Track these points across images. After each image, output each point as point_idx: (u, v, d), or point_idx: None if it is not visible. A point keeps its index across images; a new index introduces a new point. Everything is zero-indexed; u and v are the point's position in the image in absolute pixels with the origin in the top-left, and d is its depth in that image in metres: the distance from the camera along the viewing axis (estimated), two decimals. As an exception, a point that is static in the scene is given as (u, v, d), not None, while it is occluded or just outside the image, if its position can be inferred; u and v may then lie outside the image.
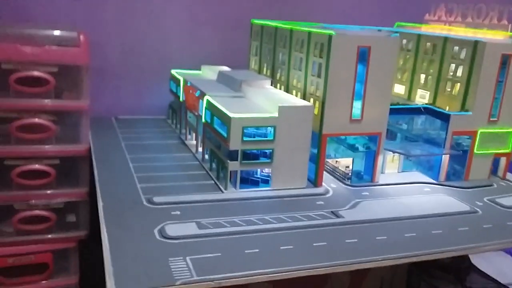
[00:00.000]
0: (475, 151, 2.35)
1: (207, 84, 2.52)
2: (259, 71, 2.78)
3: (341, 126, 2.13)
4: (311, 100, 2.18)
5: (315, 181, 2.17)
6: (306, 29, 2.23)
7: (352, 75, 2.08)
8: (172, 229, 1.65)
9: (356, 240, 1.69)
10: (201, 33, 3.25)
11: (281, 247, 1.60)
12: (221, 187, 2.05)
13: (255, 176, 2.12)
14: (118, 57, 3.22)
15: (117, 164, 2.26)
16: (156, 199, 1.89)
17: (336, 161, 2.36)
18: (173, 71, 2.99)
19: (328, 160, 2.32)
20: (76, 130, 2.54)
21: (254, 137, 2.00)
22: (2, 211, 2.42)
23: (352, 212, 1.93)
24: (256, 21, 2.80)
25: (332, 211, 1.90)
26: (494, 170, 2.49)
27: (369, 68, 2.09)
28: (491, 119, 2.34)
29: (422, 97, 2.59)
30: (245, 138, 1.98)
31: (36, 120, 2.43)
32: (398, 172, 2.44)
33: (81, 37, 2.46)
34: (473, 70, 2.29)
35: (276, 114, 2.00)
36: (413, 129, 2.44)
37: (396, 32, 2.12)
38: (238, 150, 1.99)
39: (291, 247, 1.61)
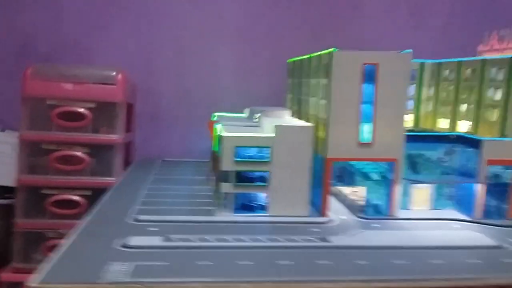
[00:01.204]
0: (519, 184, 2.00)
1: (230, 119, 2.52)
2: (291, 107, 2.72)
3: (348, 150, 1.97)
4: (319, 124, 2.06)
5: (320, 210, 1.99)
6: (318, 53, 2.16)
7: (358, 95, 1.94)
8: (135, 240, 1.60)
9: (331, 262, 1.49)
10: (250, 77, 3.33)
11: (238, 262, 1.46)
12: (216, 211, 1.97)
13: (254, 202, 2.01)
14: (170, 101, 3.39)
15: (132, 190, 2.30)
16: (142, 217, 1.87)
17: (355, 191, 2.17)
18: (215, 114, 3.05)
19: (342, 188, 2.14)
20: (110, 164, 2.67)
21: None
22: (35, 238, 2.58)
23: (344, 238, 1.72)
24: (291, 60, 2.79)
25: (321, 237, 1.71)
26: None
27: (378, 87, 1.94)
28: (537, 146, 2.00)
29: (464, 129, 2.32)
30: (237, 159, 1.91)
31: (72, 152, 2.60)
32: (429, 209, 2.15)
33: (119, 76, 2.66)
34: (510, 91, 2.01)
35: (272, 134, 1.92)
36: (439, 157, 2.16)
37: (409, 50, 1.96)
38: (231, 171, 1.92)
39: (251, 263, 1.46)
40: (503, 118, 2.03)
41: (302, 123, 2.04)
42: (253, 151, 1.99)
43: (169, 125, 3.39)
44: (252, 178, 1.99)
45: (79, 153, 2.62)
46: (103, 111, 2.66)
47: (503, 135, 2.03)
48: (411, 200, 2.13)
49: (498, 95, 2.09)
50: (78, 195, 2.62)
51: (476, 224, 1.96)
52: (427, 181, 2.08)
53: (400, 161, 1.99)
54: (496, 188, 2.08)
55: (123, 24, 3.26)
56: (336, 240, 1.69)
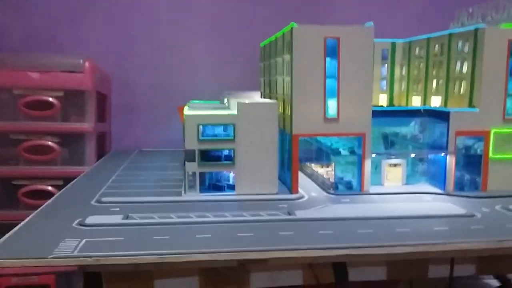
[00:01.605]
0: (490, 155, 1.98)
1: (201, 104, 2.49)
2: (264, 89, 2.69)
3: (314, 126, 1.94)
4: (286, 102, 2.03)
5: (290, 188, 1.96)
6: (282, 30, 2.13)
7: (321, 70, 1.91)
8: (93, 219, 1.56)
9: (293, 233, 1.46)
10: (225, 65, 3.30)
11: (198, 236, 1.43)
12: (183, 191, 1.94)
13: (223, 182, 1.98)
14: (146, 92, 3.34)
15: (101, 177, 2.25)
16: (105, 199, 1.83)
17: (328, 170, 2.14)
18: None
19: (315, 166, 2.11)
20: (81, 153, 2.62)
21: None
22: (8, 229, 2.52)
23: (310, 211, 1.69)
24: (262, 43, 2.76)
25: (287, 211, 1.68)
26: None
27: (341, 62, 1.91)
28: (507, 117, 1.98)
29: (436, 104, 2.30)
30: (201, 137, 1.87)
31: (42, 141, 2.55)
32: (402, 184, 2.12)
33: (86, 63, 2.61)
34: (476, 63, 1.99)
35: (235, 112, 1.89)
36: (414, 134, 2.14)
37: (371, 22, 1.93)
38: (195, 150, 1.88)
39: (210, 235, 1.43)
40: (471, 90, 2.01)
41: (266, 100, 2.00)
42: (219, 131, 1.96)
43: (145, 115, 3.34)
44: (220, 158, 1.96)
45: (49, 143, 2.57)
46: (72, 100, 2.61)
47: (471, 106, 2.01)
48: (384, 176, 2.10)
49: (465, 68, 2.07)
50: (50, 185, 2.57)
51: (448, 196, 1.93)
52: (395, 154, 2.05)
53: (368, 136, 1.96)
54: (469, 160, 2.06)
55: (97, 16, 3.21)
56: (302, 214, 1.66)
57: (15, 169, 2.57)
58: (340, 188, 2.02)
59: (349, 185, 2.03)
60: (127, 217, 1.59)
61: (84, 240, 1.36)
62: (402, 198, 1.91)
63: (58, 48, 3.15)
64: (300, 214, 1.65)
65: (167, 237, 1.41)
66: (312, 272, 1.39)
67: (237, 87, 3.08)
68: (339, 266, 1.38)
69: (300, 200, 1.86)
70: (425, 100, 2.39)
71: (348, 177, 2.06)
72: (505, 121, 1.98)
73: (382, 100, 2.68)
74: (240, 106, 1.88)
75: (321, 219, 1.60)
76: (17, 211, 2.54)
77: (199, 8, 3.28)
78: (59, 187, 2.52)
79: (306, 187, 2.08)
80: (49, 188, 2.57)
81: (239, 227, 1.52)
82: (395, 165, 2.11)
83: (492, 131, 1.97)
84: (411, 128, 2.23)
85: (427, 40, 2.37)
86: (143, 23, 3.25)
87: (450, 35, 2.18)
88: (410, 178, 2.16)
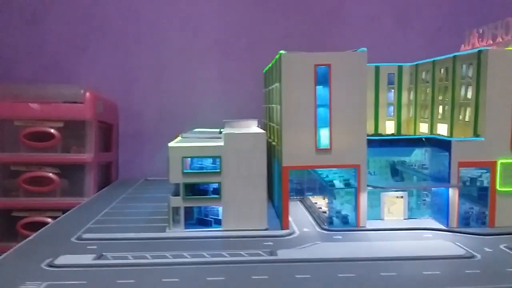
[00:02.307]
0: (497, 188, 1.83)
1: (197, 133, 2.42)
2: (265, 117, 2.61)
3: (305, 157, 1.84)
4: (278, 131, 1.94)
5: (281, 223, 1.86)
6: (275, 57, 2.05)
7: (311, 98, 1.82)
8: (64, 259, 1.50)
9: (266, 277, 1.36)
10: (232, 92, 3.24)
11: (163, 280, 1.34)
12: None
13: (211, 216, 1.90)
14: (153, 120, 3.32)
15: (94, 209, 2.21)
16: (87, 235, 1.77)
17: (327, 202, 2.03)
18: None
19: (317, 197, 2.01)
20: (81, 184, 2.59)
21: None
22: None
23: (293, 251, 1.58)
24: (265, 69, 2.70)
25: (270, 251, 1.58)
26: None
27: (333, 89, 1.82)
28: (515, 146, 1.83)
29: (442, 132, 2.16)
30: (185, 170, 1.80)
31: (42, 172, 2.54)
32: (404, 219, 1.98)
33: (87, 94, 2.60)
34: (480, 88, 1.86)
35: (221, 143, 1.81)
36: (422, 163, 2.00)
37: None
38: (179, 184, 1.81)
39: (176, 279, 1.34)
40: (476, 117, 1.87)
41: (254, 130, 1.92)
42: (208, 163, 1.89)
43: (152, 144, 3.30)
44: (208, 191, 1.88)
45: (49, 174, 2.55)
46: (73, 130, 2.60)
47: (476, 135, 1.86)
48: (383, 210, 1.97)
49: (470, 93, 1.94)
50: (49, 217, 2.54)
51: (450, 233, 1.78)
52: (393, 187, 1.92)
53: (364, 168, 1.85)
54: (476, 193, 1.91)
55: (103, 46, 3.23)
56: (284, 254, 1.55)
57: (14, 200, 2.56)
58: (335, 223, 1.90)
59: (345, 220, 1.91)
60: (100, 257, 1.52)
61: (45, 284, 1.30)
62: (400, 235, 1.78)
63: (66, 77, 3.18)
64: (282, 254, 1.55)
65: (132, 281, 1.33)
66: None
67: (243, 114, 3.01)
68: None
69: (289, 237, 1.76)
70: (431, 127, 2.25)
71: (345, 211, 1.94)
72: (513, 151, 1.82)
73: (389, 127, 2.56)
74: (226, 137, 1.81)
75: (302, 261, 1.49)
76: (16, 243, 2.51)
77: (205, 34, 3.25)
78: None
79: (301, 221, 1.98)
80: (48, 219, 2.53)
81: (213, 269, 1.42)
82: (396, 197, 1.98)
83: (499, 162, 1.82)
84: (420, 156, 2.10)
85: (433, 63, 2.25)
86: (148, 50, 3.24)
87: (455, 58, 2.05)
88: (415, 211, 2.03)
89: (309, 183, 2.40)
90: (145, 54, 3.26)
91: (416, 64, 2.43)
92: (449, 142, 1.83)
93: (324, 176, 2.02)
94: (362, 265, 1.44)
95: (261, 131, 1.88)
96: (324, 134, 1.83)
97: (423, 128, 2.36)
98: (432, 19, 3.27)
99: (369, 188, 1.86)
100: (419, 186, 1.94)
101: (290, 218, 2.01)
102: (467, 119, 1.95)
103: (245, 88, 3.22)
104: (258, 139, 1.81)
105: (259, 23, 3.23)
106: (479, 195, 1.88)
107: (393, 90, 2.54)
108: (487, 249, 1.58)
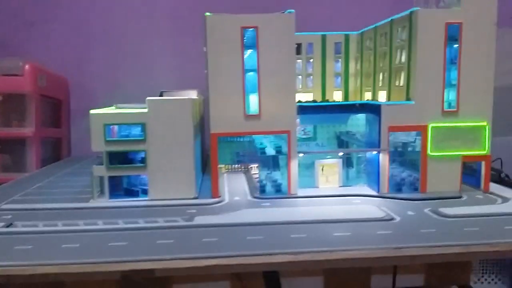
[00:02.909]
0: (428, 152, 1.79)
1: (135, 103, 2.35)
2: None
3: (234, 123, 1.79)
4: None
5: (212, 192, 1.82)
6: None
7: (239, 62, 1.77)
8: (-30, 227, 1.45)
9: (171, 241, 1.32)
10: (185, 66, 3.16)
11: (63, 246, 1.30)
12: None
13: (139, 186, 1.85)
14: (105, 97, 3.23)
15: (29, 183, 2.15)
16: (5, 206, 1.72)
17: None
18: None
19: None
20: (22, 159, 2.53)
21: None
22: None
23: (211, 218, 1.54)
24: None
25: (188, 218, 1.54)
26: (475, 181, 1.88)
27: (260, 53, 1.77)
28: (446, 109, 1.79)
29: (383, 98, 2.12)
30: (108, 138, 1.75)
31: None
32: (339, 186, 1.95)
33: (26, 66, 2.52)
34: (411, 51, 1.81)
35: (145, 110, 1.75)
36: (359, 134, 1.97)
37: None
38: (102, 153, 1.76)
39: (77, 245, 1.30)
40: (408, 80, 1.83)
41: (179, 97, 1.86)
42: (137, 131, 1.84)
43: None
44: (136, 161, 1.83)
45: (-16, 149, 2.49)
46: (13, 104, 2.53)
47: (408, 99, 1.83)
48: (318, 177, 1.94)
49: (403, 57, 1.89)
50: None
51: (379, 199, 1.75)
52: (324, 153, 1.89)
53: (294, 134, 1.80)
54: (409, 159, 1.89)
55: (53, 21, 3.14)
56: (199, 220, 1.51)
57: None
58: (268, 191, 1.86)
59: (278, 188, 1.87)
60: (8, 225, 1.47)
61: None
62: (329, 201, 1.75)
63: (14, 53, 3.08)
64: (198, 220, 1.51)
65: (29, 247, 1.28)
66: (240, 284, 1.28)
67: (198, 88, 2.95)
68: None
69: (215, 205, 1.71)
70: (374, 95, 2.21)
71: (277, 178, 1.90)
72: (444, 115, 1.79)
73: (337, 97, 2.52)
74: (150, 103, 1.75)
75: (214, 225, 1.45)
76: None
77: (158, 7, 3.17)
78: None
79: (236, 190, 1.94)
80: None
81: (120, 235, 1.38)
82: (330, 165, 1.94)
83: (430, 126, 1.78)
84: (363, 125, 2.06)
85: (374, 30, 2.20)
86: (99, 26, 3.16)
87: (392, 21, 2.00)
88: (354, 179, 2.00)
89: (253, 155, 2.36)
90: (97, 30, 3.18)
91: (362, 32, 2.38)
92: (379, 106, 1.79)
93: (259, 144, 1.98)
94: (273, 228, 1.41)
95: (186, 97, 1.82)
96: (253, 100, 1.78)
97: (368, 97, 2.32)
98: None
99: (300, 154, 1.82)
100: (347, 150, 1.91)
101: (225, 188, 1.98)
102: (401, 84, 1.91)
103: (199, 63, 3.16)
104: (184, 105, 1.76)
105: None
106: (411, 160, 1.85)
107: (340, 60, 2.48)
108: (410, 213, 1.56)
